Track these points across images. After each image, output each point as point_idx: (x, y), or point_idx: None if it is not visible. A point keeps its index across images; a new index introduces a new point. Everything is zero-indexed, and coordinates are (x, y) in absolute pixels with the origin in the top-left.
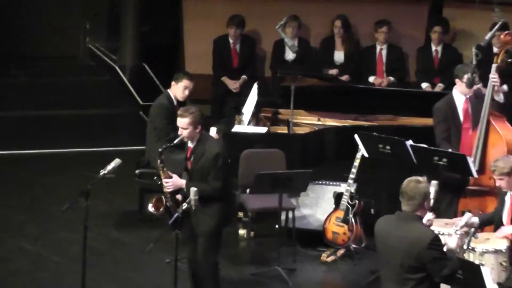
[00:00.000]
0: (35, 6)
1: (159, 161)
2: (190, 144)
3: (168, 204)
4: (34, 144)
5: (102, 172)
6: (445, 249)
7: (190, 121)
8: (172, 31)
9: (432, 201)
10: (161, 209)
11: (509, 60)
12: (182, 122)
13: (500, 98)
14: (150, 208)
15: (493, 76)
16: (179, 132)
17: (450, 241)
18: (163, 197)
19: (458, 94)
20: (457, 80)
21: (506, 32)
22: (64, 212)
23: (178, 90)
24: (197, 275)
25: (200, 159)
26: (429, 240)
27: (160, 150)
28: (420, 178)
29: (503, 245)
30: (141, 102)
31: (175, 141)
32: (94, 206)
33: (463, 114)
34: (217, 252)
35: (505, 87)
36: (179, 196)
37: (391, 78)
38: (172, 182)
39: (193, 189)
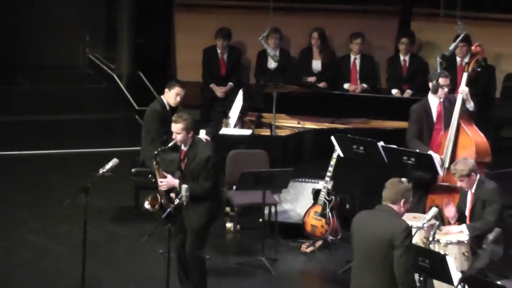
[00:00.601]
0: (40, 20)
1: (154, 162)
2: (184, 148)
3: (162, 201)
4: (37, 146)
5: (101, 170)
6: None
7: (183, 126)
8: (165, 42)
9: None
10: (156, 207)
11: (479, 69)
12: (176, 127)
13: (470, 106)
14: (146, 205)
15: (462, 87)
16: (173, 137)
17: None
18: (158, 195)
19: (433, 98)
20: (430, 84)
21: (477, 43)
22: (65, 207)
23: (171, 96)
24: (184, 264)
25: (192, 162)
26: (401, 229)
27: (155, 152)
28: (403, 179)
29: (464, 236)
30: (136, 107)
31: (169, 145)
32: (93, 202)
33: (436, 116)
34: (203, 247)
35: (472, 104)
36: (172, 194)
37: (364, 85)
38: (166, 181)
39: (184, 187)
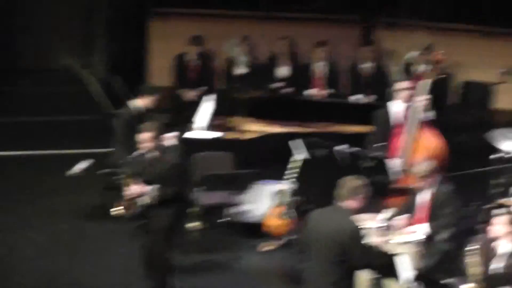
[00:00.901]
0: (21, 28)
1: (126, 169)
2: (154, 154)
3: (127, 208)
4: (16, 146)
5: (75, 170)
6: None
7: (152, 135)
8: (138, 49)
9: None
10: (129, 210)
11: (437, 77)
12: (145, 136)
13: (430, 113)
14: (119, 210)
15: (421, 99)
16: (143, 144)
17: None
18: (123, 203)
19: (396, 104)
20: (394, 91)
21: (438, 51)
22: (41, 205)
23: (143, 101)
24: (148, 262)
25: (160, 168)
26: (352, 230)
27: (128, 160)
28: (358, 178)
29: (417, 236)
30: (111, 111)
31: (140, 152)
32: (65, 200)
33: (398, 121)
34: (167, 247)
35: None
36: (143, 198)
37: (329, 91)
38: (134, 189)
39: (153, 187)
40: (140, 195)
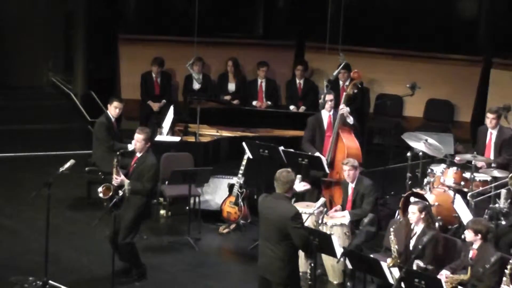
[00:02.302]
0: (11, 49)
1: (115, 160)
2: (138, 154)
3: (112, 193)
4: (8, 149)
5: (61, 169)
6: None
7: (144, 137)
8: (111, 68)
9: (297, 190)
10: (109, 195)
11: (356, 90)
12: (138, 137)
13: (350, 120)
14: (100, 192)
15: (341, 107)
16: (133, 144)
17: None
18: (111, 186)
19: (324, 112)
20: (323, 101)
21: (355, 70)
22: (33, 198)
23: (112, 109)
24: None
25: (140, 165)
26: (292, 214)
27: (118, 153)
28: (289, 169)
29: (346, 220)
30: (89, 119)
31: (129, 149)
32: (54, 194)
33: (327, 126)
34: (134, 235)
35: (347, 109)
36: (120, 190)
37: (269, 102)
38: (120, 179)
39: (127, 181)
40: (122, 184)
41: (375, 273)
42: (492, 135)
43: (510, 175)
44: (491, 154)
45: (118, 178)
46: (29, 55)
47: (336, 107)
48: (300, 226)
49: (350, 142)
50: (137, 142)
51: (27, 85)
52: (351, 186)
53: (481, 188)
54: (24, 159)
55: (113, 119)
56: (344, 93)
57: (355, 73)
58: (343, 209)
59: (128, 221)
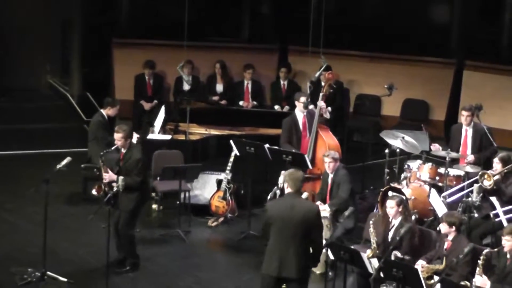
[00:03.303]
0: (12, 54)
1: (100, 160)
2: (123, 151)
3: (106, 189)
4: (8, 147)
5: (58, 166)
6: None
7: (123, 135)
8: (106, 70)
9: (281, 185)
10: (101, 193)
11: (331, 90)
12: (118, 136)
13: (327, 115)
14: (94, 192)
15: (321, 104)
16: (115, 142)
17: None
18: (102, 185)
19: (299, 112)
20: (296, 102)
21: (329, 71)
22: (32, 193)
23: (114, 110)
24: (118, 235)
25: (128, 161)
26: (318, 210)
27: (101, 153)
28: (297, 169)
29: (327, 213)
30: (85, 119)
31: (112, 148)
32: (52, 189)
33: (302, 126)
34: (133, 225)
35: (329, 108)
36: (114, 184)
37: (254, 102)
38: (109, 176)
39: (120, 178)
40: (112, 181)
41: (356, 263)
42: (468, 132)
43: (480, 173)
44: (468, 149)
45: (106, 175)
46: (28, 59)
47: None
48: (321, 222)
49: (329, 139)
50: (117, 141)
51: (27, 87)
52: (330, 177)
53: (454, 188)
54: (24, 157)
55: (106, 118)
56: (320, 94)
57: (330, 74)
58: (322, 199)
59: (128, 213)
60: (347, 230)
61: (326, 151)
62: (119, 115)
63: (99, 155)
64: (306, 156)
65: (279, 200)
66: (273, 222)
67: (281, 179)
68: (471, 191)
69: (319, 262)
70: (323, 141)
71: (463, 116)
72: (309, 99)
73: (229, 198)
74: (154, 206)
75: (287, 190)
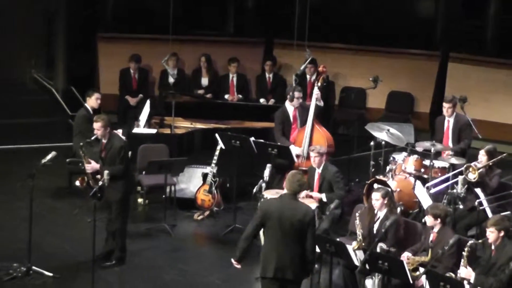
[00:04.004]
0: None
1: (81, 151)
2: (104, 141)
3: (90, 182)
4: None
5: (43, 160)
6: None
7: (102, 124)
8: (90, 65)
9: (267, 178)
10: (84, 185)
11: (325, 84)
12: (97, 125)
13: (321, 104)
14: (77, 183)
15: (316, 92)
16: (95, 132)
17: None
18: (85, 176)
19: (289, 105)
20: (294, 97)
21: (323, 65)
22: (17, 188)
23: (92, 101)
24: (108, 229)
25: (110, 150)
26: (314, 215)
27: (81, 144)
28: (299, 172)
29: (313, 205)
30: (69, 113)
31: (92, 138)
32: (37, 184)
33: (293, 118)
34: (126, 216)
35: (321, 103)
36: (98, 176)
37: (240, 96)
38: (91, 166)
39: (106, 172)
40: (95, 171)
41: (342, 255)
42: (449, 123)
43: (465, 166)
44: (449, 141)
45: (89, 166)
46: (12, 53)
47: (304, 100)
48: (314, 225)
49: (326, 133)
50: (97, 130)
51: (11, 81)
52: (317, 172)
53: (438, 179)
54: (8, 152)
55: (91, 112)
56: (315, 87)
57: (323, 68)
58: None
59: (118, 204)
60: (335, 222)
61: (312, 146)
62: (104, 109)
63: (80, 146)
64: (297, 149)
65: (274, 200)
66: (267, 222)
67: (266, 172)
68: (456, 183)
69: (314, 265)
70: (321, 135)
71: (445, 108)
72: (296, 92)
73: (215, 191)
74: (140, 200)
75: (285, 190)
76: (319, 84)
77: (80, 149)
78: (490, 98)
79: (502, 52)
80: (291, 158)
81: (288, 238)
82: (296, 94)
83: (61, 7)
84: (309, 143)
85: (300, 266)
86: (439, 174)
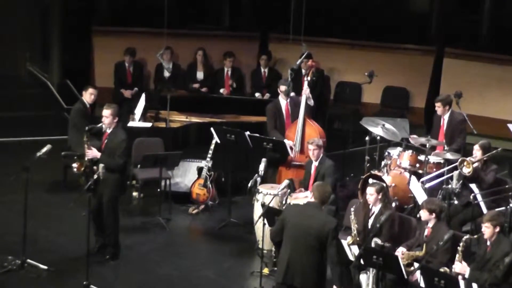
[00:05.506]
0: None
1: (85, 136)
2: (108, 130)
3: (87, 169)
4: None
5: (38, 154)
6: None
7: (111, 112)
8: (86, 58)
9: (262, 172)
10: (81, 170)
11: (314, 78)
12: (106, 112)
13: (311, 102)
14: (74, 167)
15: (305, 89)
16: (102, 120)
17: None
18: (84, 162)
19: (281, 99)
20: (279, 90)
21: (312, 59)
22: (12, 181)
23: (87, 96)
24: (96, 222)
25: (112, 141)
26: (334, 226)
27: (86, 128)
28: (327, 183)
29: (308, 200)
30: (65, 106)
31: (98, 126)
32: (32, 177)
33: (285, 112)
34: (116, 208)
35: (312, 101)
36: (95, 167)
37: (234, 85)
38: (91, 152)
39: (101, 165)
40: (95, 159)
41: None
42: (444, 121)
43: (459, 160)
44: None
45: (89, 152)
46: (7, 46)
47: (298, 95)
48: (337, 236)
49: (318, 127)
50: (105, 117)
51: (6, 74)
52: (314, 165)
53: (433, 174)
54: (3, 145)
55: (88, 105)
56: (305, 81)
57: (312, 62)
58: (305, 187)
59: (108, 198)
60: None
61: (310, 139)
62: (99, 102)
63: (83, 132)
64: (290, 143)
65: (297, 206)
66: (286, 225)
67: (261, 167)
68: (451, 178)
69: (340, 281)
70: (313, 129)
71: (435, 107)
72: (291, 86)
73: (210, 185)
74: (135, 194)
75: (312, 199)
76: (308, 78)
77: (85, 133)
78: (485, 93)
79: (497, 47)
80: (286, 152)
81: (302, 247)
82: (282, 87)
83: (56, 1)
84: (302, 137)
85: (311, 275)
86: (434, 170)
